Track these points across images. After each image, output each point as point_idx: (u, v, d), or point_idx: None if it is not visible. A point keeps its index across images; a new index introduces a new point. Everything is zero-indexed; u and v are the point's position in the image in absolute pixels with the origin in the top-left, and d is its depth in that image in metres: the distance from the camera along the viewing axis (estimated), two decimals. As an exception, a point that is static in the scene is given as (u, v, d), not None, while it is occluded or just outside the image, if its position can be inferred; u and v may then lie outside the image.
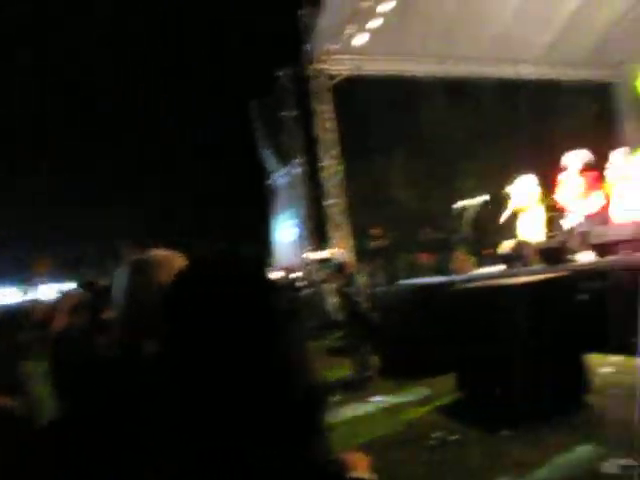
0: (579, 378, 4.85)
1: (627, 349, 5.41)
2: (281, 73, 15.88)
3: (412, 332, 6.95)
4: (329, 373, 7.72)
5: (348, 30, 11.36)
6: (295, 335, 0.97)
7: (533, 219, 9.98)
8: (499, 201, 10.37)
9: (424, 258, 11.12)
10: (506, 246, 9.19)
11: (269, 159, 20.14)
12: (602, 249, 6.51)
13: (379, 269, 10.81)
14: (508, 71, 13.54)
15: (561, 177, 8.65)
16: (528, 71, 13.75)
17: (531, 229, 9.96)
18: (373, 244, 11.23)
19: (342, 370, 7.62)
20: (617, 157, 8.14)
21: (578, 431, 4.28)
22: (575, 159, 8.35)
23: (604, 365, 5.59)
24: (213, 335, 0.90)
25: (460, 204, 10.80)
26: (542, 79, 13.97)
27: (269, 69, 16.38)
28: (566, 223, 9.01)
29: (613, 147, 8.75)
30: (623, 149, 8.40)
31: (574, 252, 7.15)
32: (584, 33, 13.23)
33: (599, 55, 14.12)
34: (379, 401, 6.21)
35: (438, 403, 5.69)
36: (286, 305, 0.98)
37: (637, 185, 7.90)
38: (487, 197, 10.57)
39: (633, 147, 9.53)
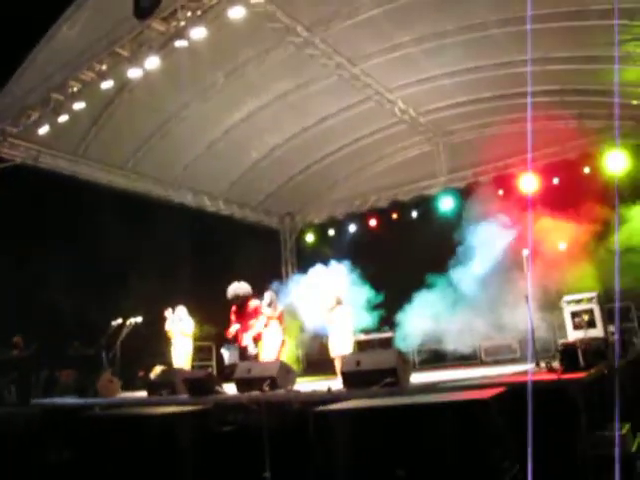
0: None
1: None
2: None
3: (41, 461, 6.11)
4: None
5: (33, 117, 10.57)
6: None
7: (185, 347, 10.24)
8: (155, 324, 10.38)
9: (68, 375, 10.16)
10: (156, 371, 9.15)
11: None
12: (245, 383, 6.94)
13: (11, 384, 9.41)
14: (190, 199, 14.33)
15: (233, 309, 9.09)
16: (208, 203, 14.82)
17: (182, 357, 10.17)
18: (9, 354, 9.78)
19: None
20: (268, 297, 9.12)
21: None
22: (239, 293, 8.95)
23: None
24: None
25: (115, 322, 10.46)
26: (220, 214, 15.18)
27: None
28: (224, 353, 9.47)
29: (269, 287, 9.80)
30: (271, 292, 9.42)
31: (221, 383, 7.48)
32: (261, 182, 15.03)
33: (270, 204, 16.29)
34: None
35: None
36: None
37: (277, 326, 8.92)
38: (141, 319, 10.49)
39: (283, 289, 10.84)
